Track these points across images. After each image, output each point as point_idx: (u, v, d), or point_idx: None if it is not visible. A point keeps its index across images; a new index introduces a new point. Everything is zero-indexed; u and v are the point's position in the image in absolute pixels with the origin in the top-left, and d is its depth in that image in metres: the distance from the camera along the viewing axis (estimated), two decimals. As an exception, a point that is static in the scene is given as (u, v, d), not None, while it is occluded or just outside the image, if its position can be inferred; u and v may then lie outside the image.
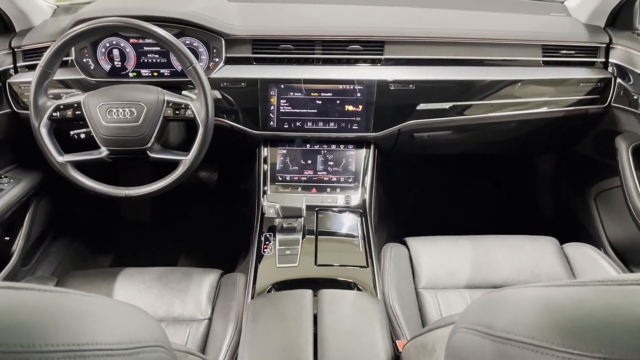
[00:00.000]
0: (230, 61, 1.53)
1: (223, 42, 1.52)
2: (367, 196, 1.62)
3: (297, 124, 1.52)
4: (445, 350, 0.68)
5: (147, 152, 1.41)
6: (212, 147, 1.48)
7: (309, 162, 1.66)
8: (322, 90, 1.50)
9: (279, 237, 1.42)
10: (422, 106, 1.59)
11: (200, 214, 2.21)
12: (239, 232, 1.80)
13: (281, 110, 1.59)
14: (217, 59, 1.62)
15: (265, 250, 1.39)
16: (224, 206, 2.20)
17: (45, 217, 1.81)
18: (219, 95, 1.57)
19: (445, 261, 1.48)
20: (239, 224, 1.85)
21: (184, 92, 1.46)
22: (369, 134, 1.55)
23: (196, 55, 1.63)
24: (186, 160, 1.40)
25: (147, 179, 1.44)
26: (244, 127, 1.62)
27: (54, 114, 1.38)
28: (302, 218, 1.42)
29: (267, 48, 1.61)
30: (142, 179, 1.50)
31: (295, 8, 1.75)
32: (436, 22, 1.65)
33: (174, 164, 1.43)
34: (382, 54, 1.61)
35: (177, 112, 1.41)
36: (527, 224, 1.85)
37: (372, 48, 1.60)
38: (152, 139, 1.40)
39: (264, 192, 1.62)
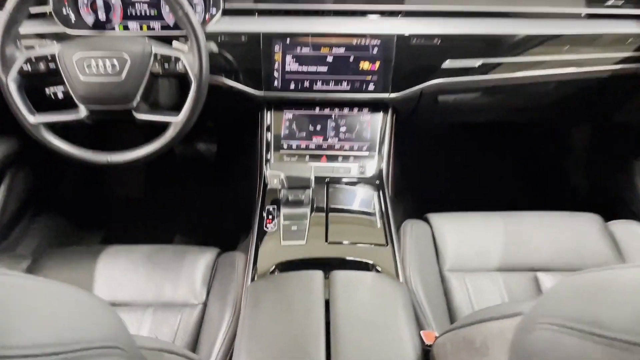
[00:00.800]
0: (228, 13, 1.36)
1: None
2: (384, 166, 1.43)
3: (305, 84, 1.33)
4: (512, 352, 0.49)
5: (132, 112, 1.22)
6: (209, 111, 1.29)
7: (318, 127, 1.45)
8: (333, 45, 1.32)
9: (283, 211, 1.23)
10: (447, 64, 1.39)
11: (197, 190, 2.02)
12: (239, 209, 1.61)
13: (286, 68, 1.39)
14: (214, 10, 1.42)
15: (268, 225, 1.20)
16: (224, 182, 2.01)
17: (24, 190, 1.63)
18: (215, 50, 1.37)
19: (473, 240, 1.29)
20: (240, 201, 1.66)
21: (175, 44, 1.26)
22: (387, 94, 1.35)
23: (190, 4, 1.43)
24: (177, 122, 1.20)
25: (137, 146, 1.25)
26: (244, 88, 1.42)
27: (25, 66, 1.19)
28: (311, 189, 1.23)
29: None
30: (131, 145, 1.30)
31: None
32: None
33: (165, 127, 1.24)
34: (402, 4, 1.40)
35: (166, 66, 1.22)
36: (562, 201, 1.65)
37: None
38: (138, 97, 1.21)
39: (267, 161, 1.43)
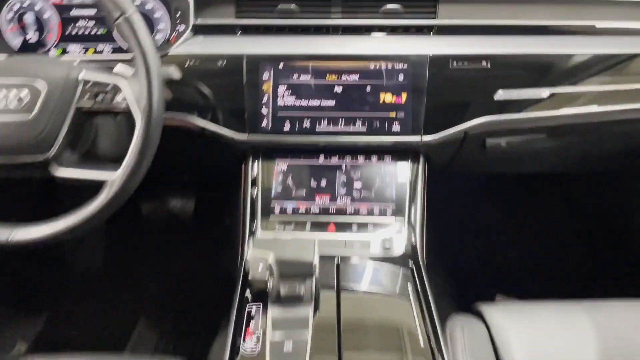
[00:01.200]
0: (202, 30, 1.09)
1: (192, 3, 0.97)
2: (416, 238, 1.02)
3: (305, 123, 1.00)
4: None
5: (49, 165, 0.82)
6: (172, 161, 0.89)
7: (324, 183, 1.06)
8: (343, 71, 1.04)
9: (272, 312, 0.81)
10: (501, 95, 1.01)
11: (168, 260, 1.60)
12: (217, 289, 1.18)
13: (279, 103, 1.01)
14: (181, 27, 1.06)
15: (246, 341, 0.77)
16: (201, 251, 1.59)
17: None
18: (176, 77, 0.99)
19: (552, 349, 0.86)
20: (218, 279, 1.24)
21: (117, 68, 0.87)
22: (418, 137, 0.97)
23: (150, 23, 1.07)
24: (114, 180, 0.80)
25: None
26: (221, 130, 1.05)
27: None
28: (314, 278, 0.82)
29: (259, 9, 1.04)
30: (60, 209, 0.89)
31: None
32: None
33: (98, 187, 0.84)
34: (434, 17, 1.03)
35: (99, 98, 0.83)
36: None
37: (419, 8, 1.04)
38: (58, 144, 0.82)
39: (251, 233, 1.02)
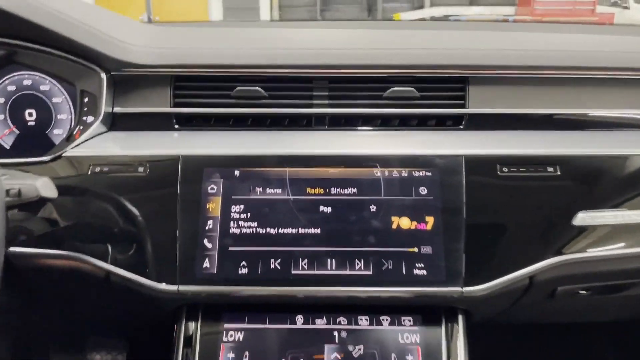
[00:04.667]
0: (121, 122, 0.75)
1: (104, 80, 0.71)
2: None
3: (273, 264, 0.60)
4: None
5: None
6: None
7: (304, 366, 0.64)
8: (333, 181, 0.68)
9: None
10: (584, 218, 0.63)
11: None
12: None
13: (232, 231, 0.62)
14: (88, 117, 0.69)
15: None
16: None
17: None
18: (49, 194, 0.60)
19: None
20: None
21: None
22: (458, 288, 0.56)
23: (47, 111, 0.72)
24: None
25: None
26: (136, 277, 0.62)
27: None
28: None
29: (207, 93, 0.69)
30: None
31: (270, 32, 0.88)
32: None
33: None
34: (464, 105, 0.70)
35: None
36: None
37: (440, 92, 0.70)
38: None
39: None
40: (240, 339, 0.67)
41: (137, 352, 1.15)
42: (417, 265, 0.64)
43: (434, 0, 7.03)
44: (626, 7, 4.79)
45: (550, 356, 1.11)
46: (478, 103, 0.73)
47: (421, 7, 7.00)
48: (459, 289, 0.63)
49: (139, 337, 1.10)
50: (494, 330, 0.98)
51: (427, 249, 0.65)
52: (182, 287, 0.64)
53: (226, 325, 0.67)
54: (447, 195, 0.66)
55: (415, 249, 0.65)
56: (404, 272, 0.64)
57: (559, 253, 0.64)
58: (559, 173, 0.66)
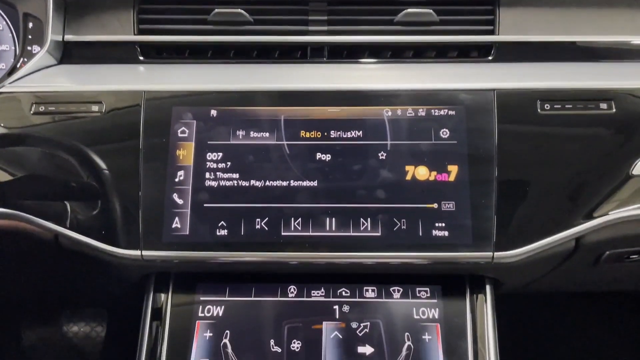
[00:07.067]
0: (73, 53, 0.62)
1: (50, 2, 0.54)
2: None
3: (259, 224, 0.53)
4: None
5: None
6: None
7: (297, 346, 0.54)
8: (333, 122, 0.55)
9: None
10: (644, 167, 0.50)
11: None
12: None
13: (208, 184, 0.50)
14: (34, 47, 0.55)
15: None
16: None
17: None
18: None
19: None
20: None
21: None
22: (487, 253, 0.43)
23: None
24: None
25: None
26: (91, 241, 0.50)
27: None
28: None
29: (176, 17, 0.56)
30: None
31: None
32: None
33: None
34: (493, 32, 0.58)
35: None
36: None
37: (465, 16, 0.60)
38: None
39: None
40: (220, 314, 0.55)
41: (118, 322, 1.05)
42: (436, 225, 0.52)
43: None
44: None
45: (577, 326, 1.00)
46: (510, 29, 0.61)
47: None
48: (488, 253, 0.51)
49: (119, 307, 1.00)
50: (518, 299, 0.87)
51: (449, 205, 0.52)
52: (147, 253, 0.52)
53: (202, 298, 0.55)
54: (474, 139, 0.53)
55: (435, 205, 0.52)
56: (421, 234, 0.52)
57: (615, 209, 0.51)
58: (614, 110, 0.53)
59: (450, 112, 0.54)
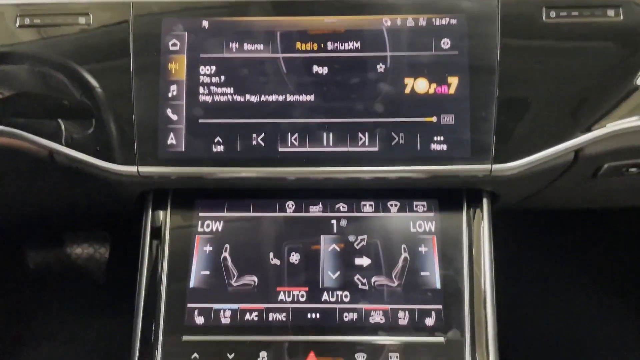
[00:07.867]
0: None
1: None
2: None
3: (255, 139, 0.52)
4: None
5: None
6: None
7: (295, 259, 0.53)
8: (329, 33, 0.53)
9: None
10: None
11: (72, 328, 1.05)
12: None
13: (202, 99, 0.49)
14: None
15: None
16: (120, 312, 1.04)
17: None
18: None
19: None
20: None
21: None
22: (486, 166, 0.44)
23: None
24: None
25: None
26: (85, 157, 0.50)
27: None
28: None
29: None
30: None
31: None
32: None
33: None
34: None
35: None
36: None
37: None
38: None
39: None
40: (219, 229, 0.56)
41: (122, 244, 1.08)
42: (435, 138, 0.51)
43: None
44: None
45: (574, 244, 1.02)
46: None
47: None
48: (486, 166, 0.51)
49: (122, 229, 1.01)
50: (516, 216, 0.88)
51: (448, 119, 0.51)
52: (143, 169, 0.52)
53: (201, 214, 0.56)
54: (476, 49, 0.51)
55: (434, 119, 0.51)
56: (419, 148, 0.51)
57: (617, 119, 0.51)
58: (621, 18, 0.51)
59: (452, 21, 0.52)
